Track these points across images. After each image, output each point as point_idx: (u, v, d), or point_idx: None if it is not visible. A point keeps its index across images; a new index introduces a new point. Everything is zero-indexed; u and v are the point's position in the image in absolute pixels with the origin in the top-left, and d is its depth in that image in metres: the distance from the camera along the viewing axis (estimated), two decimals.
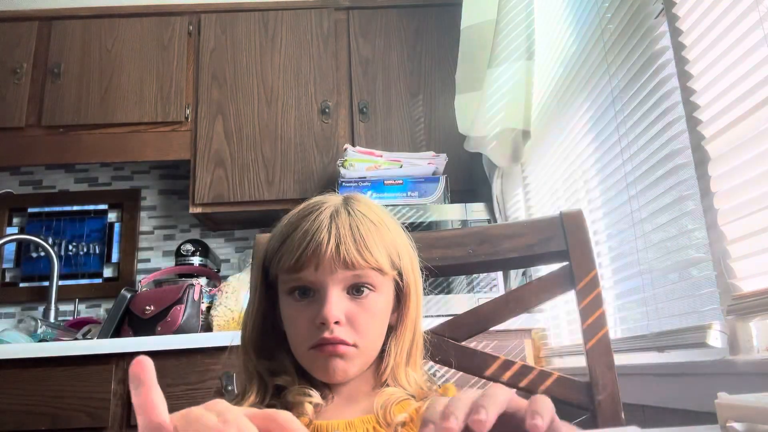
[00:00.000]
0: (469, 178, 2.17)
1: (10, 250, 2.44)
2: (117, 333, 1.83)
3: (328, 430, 0.63)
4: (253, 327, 0.70)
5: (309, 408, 0.63)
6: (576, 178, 1.49)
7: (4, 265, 2.43)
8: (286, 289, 0.67)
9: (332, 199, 0.70)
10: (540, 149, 1.76)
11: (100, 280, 2.42)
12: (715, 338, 0.90)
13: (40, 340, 1.96)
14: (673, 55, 1.00)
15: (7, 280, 2.43)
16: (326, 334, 0.63)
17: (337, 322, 0.64)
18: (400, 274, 0.70)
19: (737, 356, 0.85)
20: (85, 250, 2.45)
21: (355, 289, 0.66)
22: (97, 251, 2.45)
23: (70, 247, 2.45)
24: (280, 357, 0.69)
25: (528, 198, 1.90)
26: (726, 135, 0.87)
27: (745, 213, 0.85)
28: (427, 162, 2.03)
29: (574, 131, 1.48)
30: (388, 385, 0.68)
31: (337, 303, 0.64)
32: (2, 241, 2.26)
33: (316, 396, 0.64)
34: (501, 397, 0.38)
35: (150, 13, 2.35)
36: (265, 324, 0.70)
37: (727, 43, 0.87)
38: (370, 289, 0.67)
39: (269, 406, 0.64)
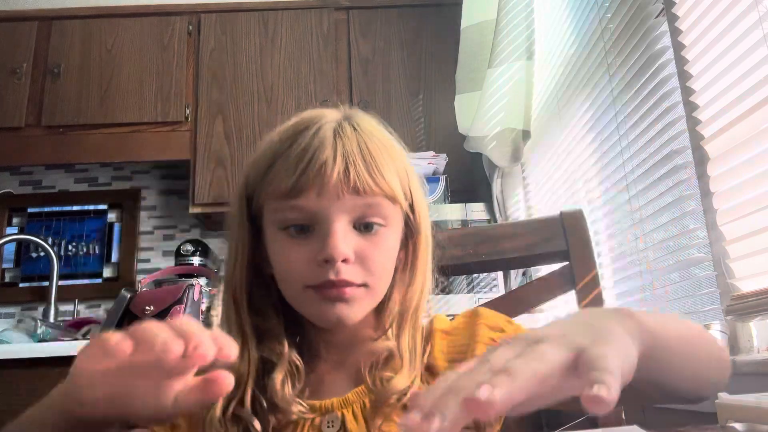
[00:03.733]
0: (469, 178, 2.16)
1: (10, 250, 2.44)
2: None
3: (321, 410, 0.56)
4: (242, 271, 0.57)
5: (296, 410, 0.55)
6: (576, 178, 1.49)
7: (4, 265, 2.43)
8: (277, 222, 0.55)
9: (330, 113, 0.58)
10: (540, 149, 1.76)
11: (99, 280, 2.41)
12: (715, 338, 0.90)
13: (40, 340, 1.96)
14: (673, 55, 1.00)
15: (7, 280, 2.42)
16: (331, 276, 0.52)
17: (344, 260, 0.53)
18: (410, 207, 0.59)
19: (737, 356, 0.85)
20: (84, 250, 2.45)
21: (363, 225, 0.55)
22: (97, 251, 2.45)
23: (70, 247, 2.44)
24: (267, 312, 0.58)
25: (528, 198, 1.90)
26: (725, 135, 0.88)
27: (744, 213, 0.85)
28: (427, 162, 2.03)
29: (574, 131, 1.48)
30: (387, 338, 0.58)
31: (344, 237, 0.53)
32: (2, 241, 2.26)
33: (305, 408, 0.55)
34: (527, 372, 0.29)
35: (150, 13, 2.34)
36: (252, 267, 0.58)
37: (726, 43, 0.87)
38: (381, 225, 0.56)
39: (254, 397, 0.55)
